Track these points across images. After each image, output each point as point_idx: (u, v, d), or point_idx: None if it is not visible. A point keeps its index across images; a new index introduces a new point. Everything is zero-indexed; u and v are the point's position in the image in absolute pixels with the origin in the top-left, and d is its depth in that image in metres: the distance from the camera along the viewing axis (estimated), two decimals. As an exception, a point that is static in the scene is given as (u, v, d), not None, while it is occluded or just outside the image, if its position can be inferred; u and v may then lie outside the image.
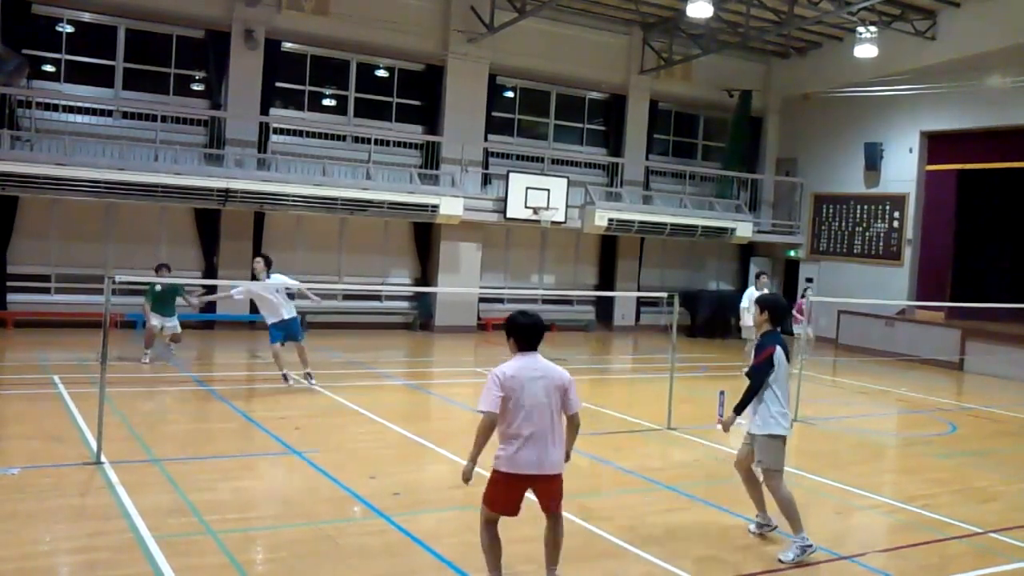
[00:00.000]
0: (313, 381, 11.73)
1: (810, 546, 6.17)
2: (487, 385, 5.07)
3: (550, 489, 5.19)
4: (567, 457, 5.28)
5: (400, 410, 11.16)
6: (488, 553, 5.24)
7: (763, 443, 6.34)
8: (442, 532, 6.53)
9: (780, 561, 6.12)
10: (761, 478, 6.47)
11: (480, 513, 5.26)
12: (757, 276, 16.45)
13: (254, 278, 11.87)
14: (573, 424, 5.25)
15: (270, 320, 11.62)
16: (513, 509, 5.22)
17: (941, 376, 17.25)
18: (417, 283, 19.96)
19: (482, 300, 20.36)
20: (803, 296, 17.57)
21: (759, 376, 6.32)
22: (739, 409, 6.41)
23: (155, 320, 13.31)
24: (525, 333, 5.26)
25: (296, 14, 17.79)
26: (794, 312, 16.61)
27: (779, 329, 6.56)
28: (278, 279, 11.72)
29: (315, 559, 5.78)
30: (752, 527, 6.73)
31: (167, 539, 5.88)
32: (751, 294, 15.87)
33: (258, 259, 11.98)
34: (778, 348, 6.34)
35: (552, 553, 5.34)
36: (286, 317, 11.60)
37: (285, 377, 11.56)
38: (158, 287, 13.16)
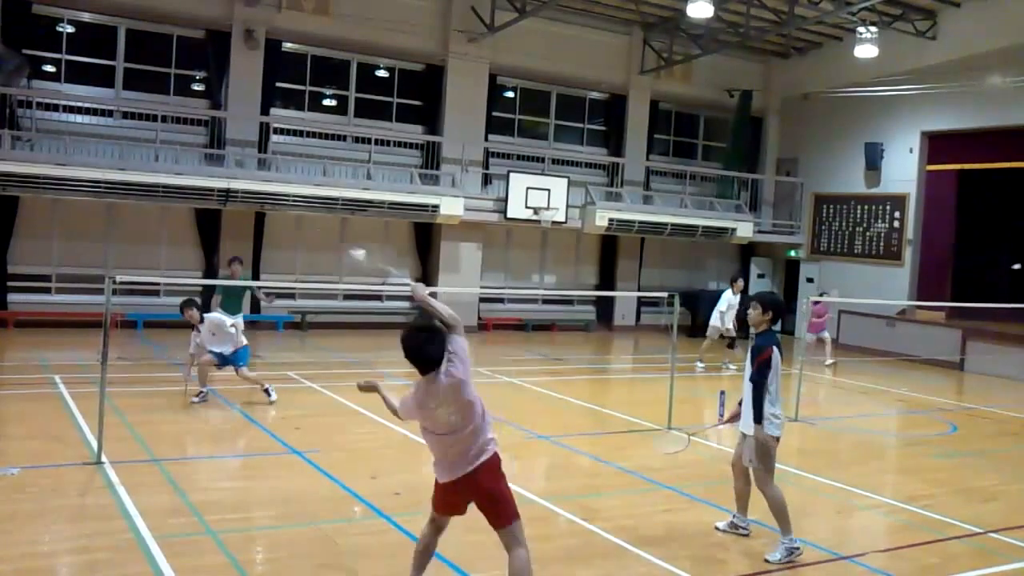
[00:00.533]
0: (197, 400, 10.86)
1: (797, 549, 6.17)
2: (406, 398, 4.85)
3: (479, 488, 4.75)
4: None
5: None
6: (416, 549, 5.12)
7: (754, 444, 6.31)
8: (442, 532, 6.53)
9: (767, 560, 6.14)
10: (752, 478, 6.48)
11: None
12: (733, 280, 16.42)
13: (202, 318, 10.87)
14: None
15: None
16: (451, 511, 4.99)
17: (941, 376, 17.24)
18: (417, 283, 19.91)
19: (482, 300, 20.36)
20: (820, 297, 17.41)
21: (763, 380, 6.23)
22: (758, 418, 6.22)
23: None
24: (412, 358, 4.70)
25: (296, 14, 17.79)
26: (814, 319, 16.74)
27: (774, 329, 6.52)
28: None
29: (315, 559, 5.78)
30: (722, 524, 6.75)
31: (167, 539, 5.88)
32: (729, 298, 15.95)
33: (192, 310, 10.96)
34: (775, 349, 6.30)
35: None
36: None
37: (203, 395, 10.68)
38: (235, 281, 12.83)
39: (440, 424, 4.75)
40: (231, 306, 12.61)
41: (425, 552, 5.08)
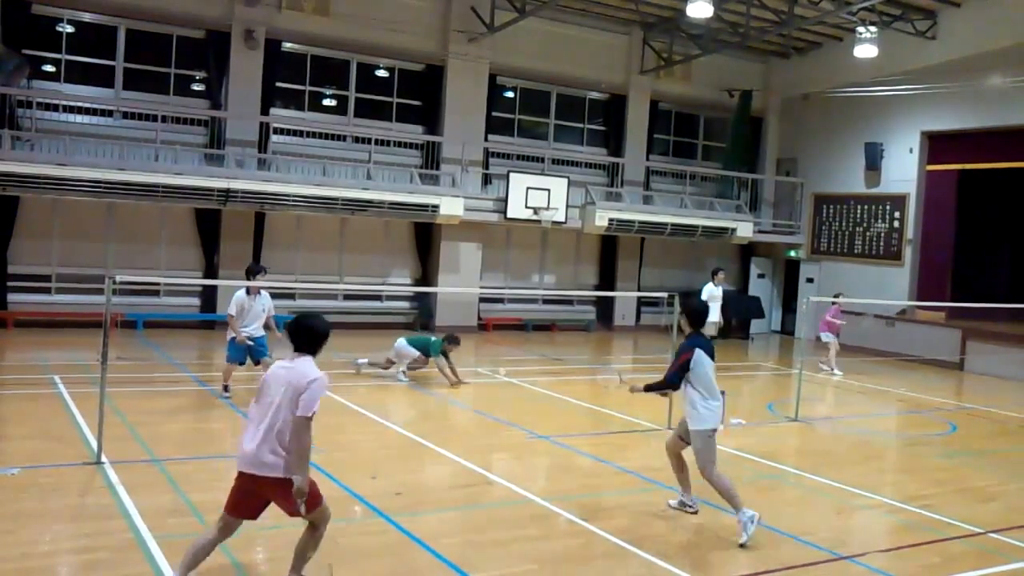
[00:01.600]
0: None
1: (753, 516, 6.47)
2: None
3: (265, 493, 4.94)
4: (292, 469, 4.80)
5: (400, 410, 11.17)
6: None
7: (695, 437, 6.84)
8: (442, 532, 6.54)
9: (741, 545, 6.36)
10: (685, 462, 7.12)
11: None
12: (714, 272, 16.25)
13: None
14: (293, 428, 4.81)
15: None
16: (232, 507, 4.99)
17: (941, 376, 17.24)
18: (417, 283, 19.96)
19: (483, 300, 20.36)
20: (835, 301, 16.74)
21: (673, 379, 6.84)
22: (647, 389, 7.11)
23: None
24: (293, 336, 5.13)
25: (296, 14, 17.79)
26: (828, 319, 16.49)
27: (700, 331, 7.03)
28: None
29: (316, 559, 5.77)
30: (673, 502, 7.29)
31: (167, 539, 5.89)
32: (711, 291, 15.85)
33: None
34: (696, 351, 6.79)
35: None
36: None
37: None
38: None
39: (266, 393, 4.95)
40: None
41: (202, 553, 5.03)
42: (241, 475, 4.94)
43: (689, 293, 20.79)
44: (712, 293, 15.82)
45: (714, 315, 15.64)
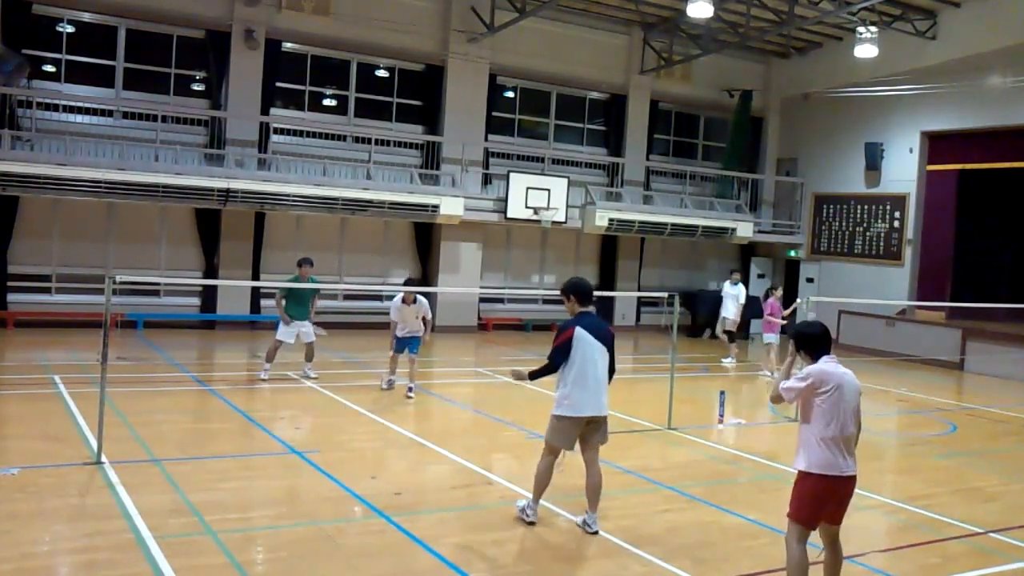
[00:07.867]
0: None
1: (530, 516, 6.63)
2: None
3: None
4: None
5: (400, 410, 11.16)
6: None
7: (550, 420, 6.76)
8: (442, 532, 6.53)
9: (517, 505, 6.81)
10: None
11: None
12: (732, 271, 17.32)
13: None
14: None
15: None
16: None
17: (941, 376, 17.24)
18: (418, 283, 19.94)
19: (483, 300, 20.36)
20: (769, 294, 15.67)
21: (554, 358, 6.68)
22: (532, 377, 6.87)
23: (289, 328, 12.11)
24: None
25: (296, 14, 17.79)
26: (767, 316, 15.26)
27: (591, 311, 6.77)
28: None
29: (315, 559, 5.78)
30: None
31: (167, 539, 5.88)
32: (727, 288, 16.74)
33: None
34: (576, 330, 6.57)
35: None
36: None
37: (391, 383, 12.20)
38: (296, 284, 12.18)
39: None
40: (293, 310, 12.17)
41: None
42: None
43: (690, 293, 21.04)
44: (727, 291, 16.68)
45: (728, 313, 16.94)
